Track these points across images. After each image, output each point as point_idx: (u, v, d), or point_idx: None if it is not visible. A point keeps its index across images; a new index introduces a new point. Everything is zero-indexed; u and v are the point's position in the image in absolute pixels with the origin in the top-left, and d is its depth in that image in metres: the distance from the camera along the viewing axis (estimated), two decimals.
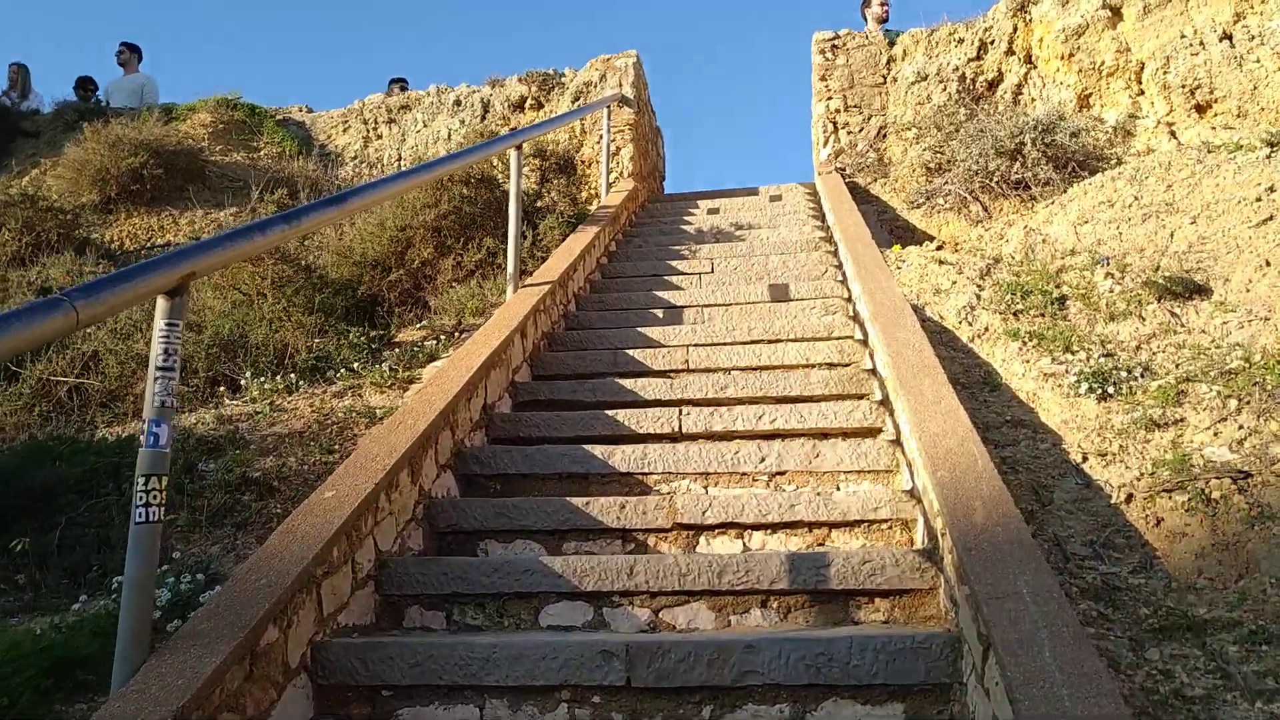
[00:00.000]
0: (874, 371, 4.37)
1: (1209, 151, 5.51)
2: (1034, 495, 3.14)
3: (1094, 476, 3.16)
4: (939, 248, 5.63)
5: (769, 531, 3.48)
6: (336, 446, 4.03)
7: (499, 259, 6.69)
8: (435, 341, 5.55)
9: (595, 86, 9.75)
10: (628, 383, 4.79)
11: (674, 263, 7.13)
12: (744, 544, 3.49)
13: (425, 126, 10.57)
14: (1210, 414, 3.24)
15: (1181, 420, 3.28)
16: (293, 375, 4.98)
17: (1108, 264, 4.57)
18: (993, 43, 8.63)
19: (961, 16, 8.90)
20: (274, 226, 2.95)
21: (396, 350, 5.38)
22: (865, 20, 9.64)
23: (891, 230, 7.52)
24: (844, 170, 8.80)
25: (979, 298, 4.49)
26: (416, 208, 6.96)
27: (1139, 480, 3.05)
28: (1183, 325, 3.95)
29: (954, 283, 4.69)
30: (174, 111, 10.89)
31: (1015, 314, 4.32)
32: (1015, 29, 8.54)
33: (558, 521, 3.57)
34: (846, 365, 4.71)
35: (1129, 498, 2.99)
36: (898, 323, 4.23)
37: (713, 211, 8.99)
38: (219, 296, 6.13)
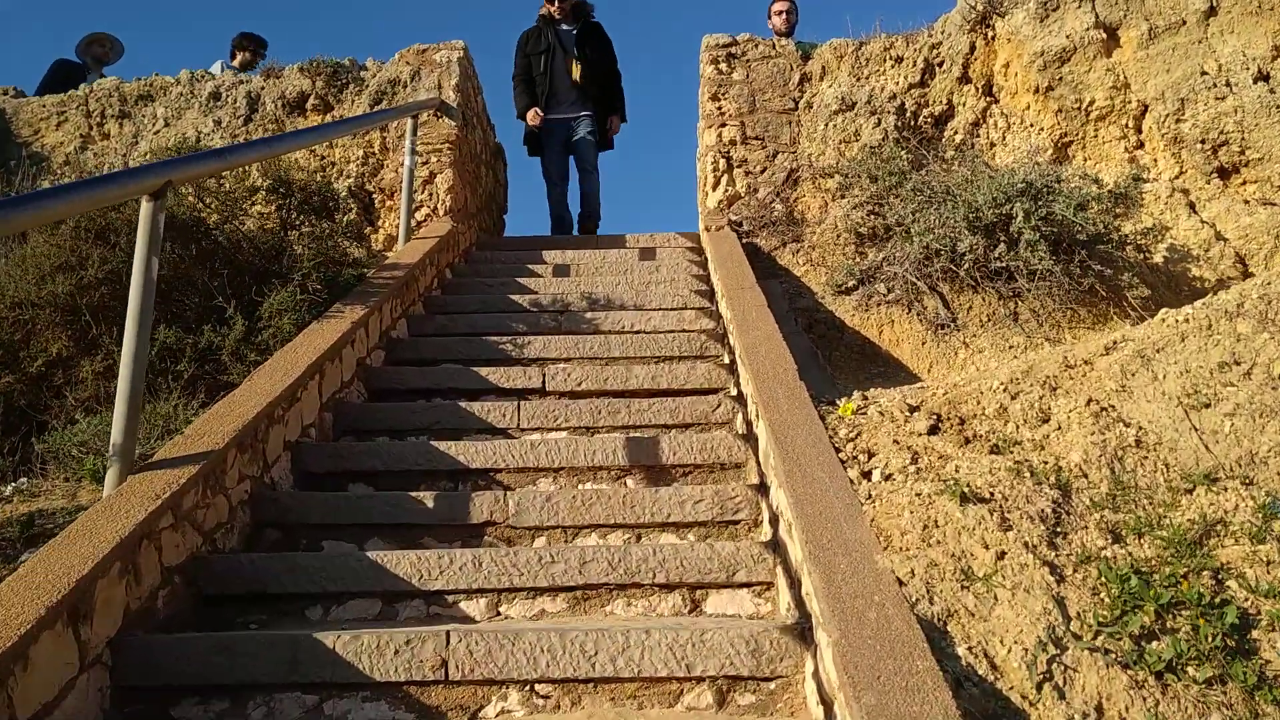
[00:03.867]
0: None
1: None
2: None
3: None
4: (917, 407, 3.22)
5: None
6: None
7: (193, 358, 3.94)
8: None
9: (405, 86, 7.03)
10: None
11: (487, 373, 4.52)
12: None
13: (168, 125, 7.58)
14: None
15: None
16: None
17: None
18: (942, 64, 6.41)
19: (900, 27, 6.64)
20: None
21: None
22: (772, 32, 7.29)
23: (811, 325, 5.12)
24: (740, 225, 6.40)
25: (1065, 612, 2.06)
26: (46, 270, 4.12)
27: None
28: None
29: (1001, 556, 2.24)
30: None
31: (1159, 675, 1.91)
32: (973, 49, 6.34)
33: None
34: None
35: None
36: None
37: (561, 272, 6.42)
38: None
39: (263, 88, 7.40)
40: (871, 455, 2.88)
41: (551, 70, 7.30)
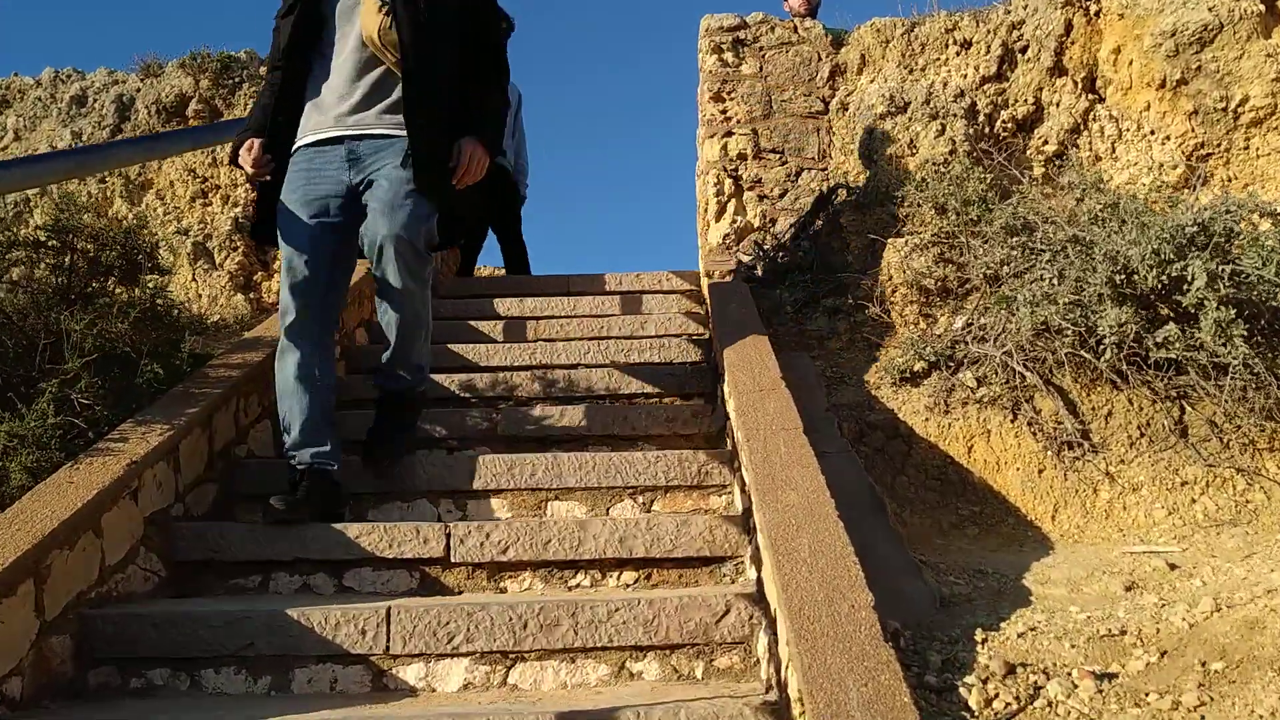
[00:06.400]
0: None
1: None
2: None
3: None
4: (1128, 667, 1.55)
5: None
6: None
7: None
8: None
9: None
10: None
11: (358, 533, 2.84)
12: None
13: (18, 139, 5.95)
14: None
15: None
16: None
17: None
18: (1025, 50, 4.73)
19: (960, 3, 4.98)
20: None
21: None
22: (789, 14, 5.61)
23: (862, 434, 3.43)
24: (753, 269, 4.73)
25: None
26: None
27: None
28: None
29: None
30: None
31: None
32: (1070, 29, 4.66)
33: None
34: None
35: None
36: None
37: (514, 330, 4.76)
38: None
39: (138, 89, 5.76)
40: None
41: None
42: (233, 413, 3.33)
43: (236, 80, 5.50)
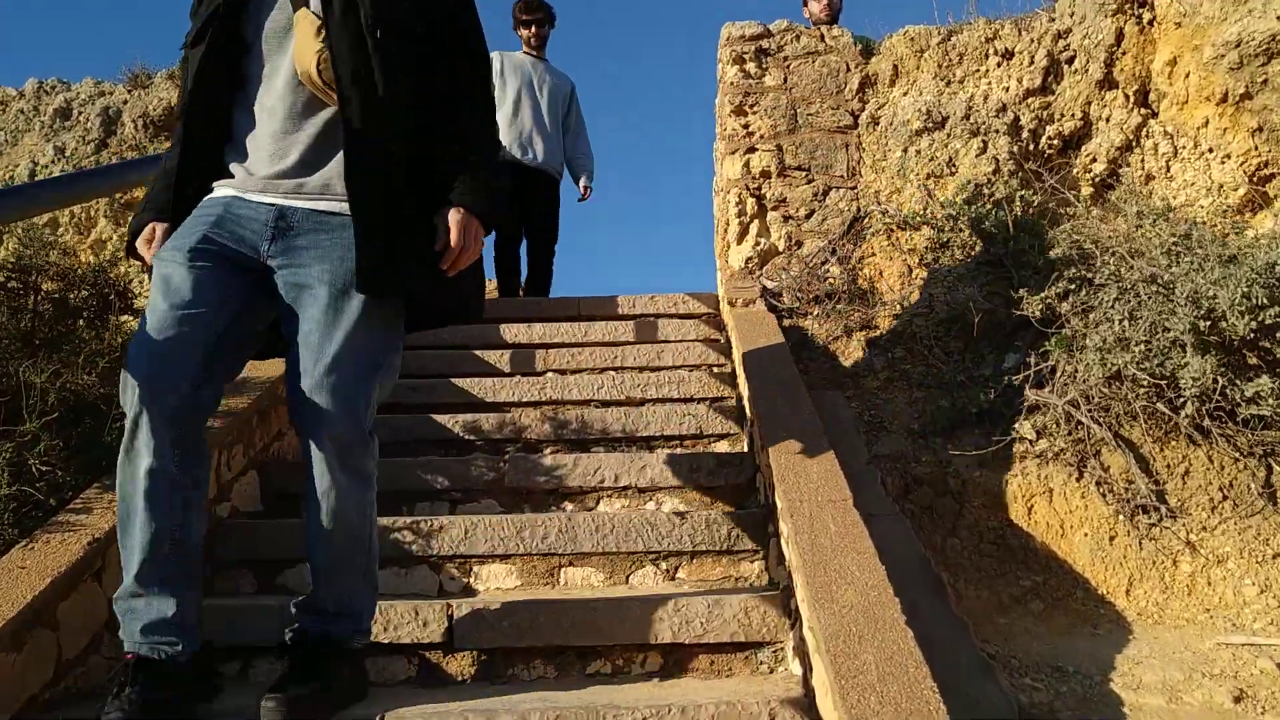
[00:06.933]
0: None
1: None
2: None
3: None
4: None
5: None
6: None
7: None
8: None
9: None
10: None
11: None
12: None
13: None
14: None
15: None
16: None
17: None
18: (1073, 61, 4.40)
19: (1001, 9, 4.65)
20: None
21: None
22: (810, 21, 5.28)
23: (908, 489, 3.10)
24: (779, 297, 4.41)
25: None
26: None
27: None
28: None
29: None
30: None
31: None
32: (1120, 38, 4.33)
33: None
34: None
35: None
36: None
37: (522, 361, 4.45)
38: None
39: (125, 101, 5.45)
40: None
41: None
42: (213, 467, 3.02)
43: None
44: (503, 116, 5.22)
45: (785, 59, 4.84)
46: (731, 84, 4.81)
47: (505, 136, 5.28)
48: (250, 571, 2.93)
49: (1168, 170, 4.24)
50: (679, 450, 3.68)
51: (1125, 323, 2.93)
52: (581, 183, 5.61)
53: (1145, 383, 2.82)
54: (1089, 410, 2.92)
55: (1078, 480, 2.90)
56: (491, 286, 6.49)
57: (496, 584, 2.87)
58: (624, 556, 2.89)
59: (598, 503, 3.30)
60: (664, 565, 2.89)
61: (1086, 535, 2.83)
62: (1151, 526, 2.75)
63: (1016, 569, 2.84)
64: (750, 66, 4.83)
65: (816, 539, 2.25)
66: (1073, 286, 3.31)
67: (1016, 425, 3.06)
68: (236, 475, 3.18)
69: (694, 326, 4.75)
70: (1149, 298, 2.93)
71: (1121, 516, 2.80)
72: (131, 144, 5.24)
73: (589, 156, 5.64)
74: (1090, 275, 3.28)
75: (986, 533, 2.93)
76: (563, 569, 2.89)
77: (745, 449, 3.52)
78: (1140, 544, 2.75)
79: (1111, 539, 2.80)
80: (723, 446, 3.67)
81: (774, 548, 2.76)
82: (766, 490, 2.95)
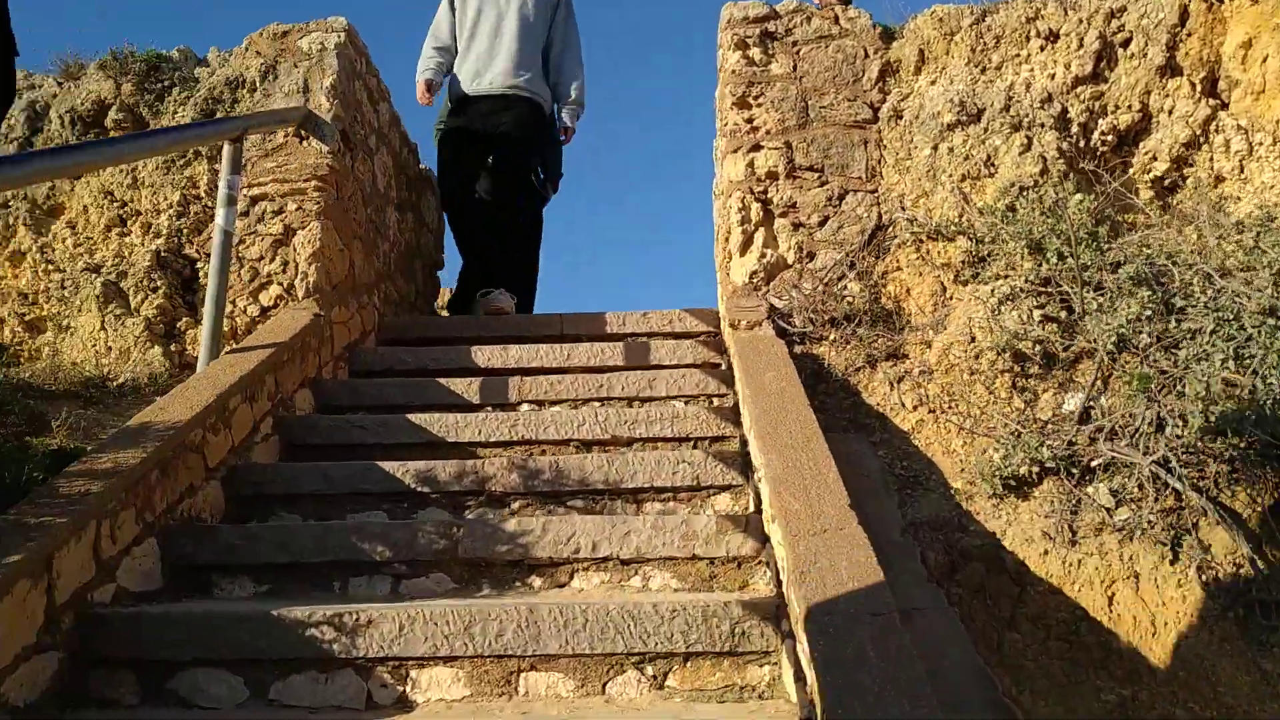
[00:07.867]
0: None
1: None
2: None
3: None
4: None
5: None
6: None
7: None
8: None
9: (253, 89, 4.47)
10: None
11: None
12: None
13: None
14: None
15: None
16: None
17: None
18: (1128, 45, 3.80)
19: None
20: None
21: None
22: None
23: (954, 566, 2.50)
24: (789, 317, 3.80)
25: None
26: None
27: None
28: None
29: None
30: None
31: None
32: (1185, 18, 3.72)
33: None
34: None
35: None
36: None
37: (493, 390, 3.85)
38: None
39: (54, 95, 4.85)
40: None
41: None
42: (90, 543, 2.41)
43: (166, 84, 4.58)
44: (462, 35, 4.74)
45: (794, 44, 4.24)
46: (733, 72, 4.21)
47: (463, 61, 4.75)
48: (134, 674, 2.33)
49: (1241, 171, 3.63)
50: (671, 504, 3.09)
51: (1226, 360, 2.32)
52: (564, 116, 4.85)
53: (1257, 439, 2.22)
54: (1185, 473, 2.32)
55: (1172, 563, 2.31)
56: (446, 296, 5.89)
57: (439, 694, 2.28)
58: (599, 659, 2.29)
59: (571, 577, 2.70)
60: (649, 670, 2.29)
61: (1180, 633, 2.23)
62: (1272, 631, 2.15)
63: (1096, 675, 2.24)
64: (754, 52, 4.23)
65: (851, 676, 1.65)
66: (1147, 312, 2.71)
67: (1089, 489, 2.46)
68: (126, 548, 2.58)
69: (691, 349, 4.15)
70: (1253, 330, 2.33)
71: (1232, 614, 2.19)
72: (59, 142, 4.64)
73: (577, 82, 4.79)
74: (1170, 299, 2.68)
75: (1055, 626, 2.34)
76: (523, 674, 2.30)
77: (750, 506, 2.93)
78: (1251, 645, 2.15)
79: (1215, 638, 2.20)
80: (724, 501, 3.07)
81: (789, 651, 2.16)
82: (777, 573, 2.36)
